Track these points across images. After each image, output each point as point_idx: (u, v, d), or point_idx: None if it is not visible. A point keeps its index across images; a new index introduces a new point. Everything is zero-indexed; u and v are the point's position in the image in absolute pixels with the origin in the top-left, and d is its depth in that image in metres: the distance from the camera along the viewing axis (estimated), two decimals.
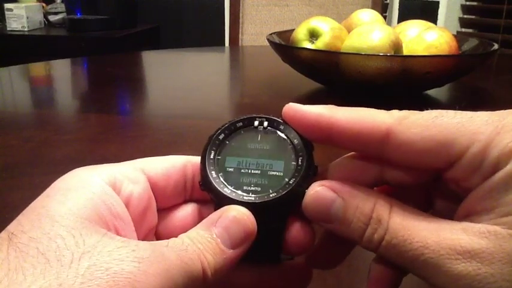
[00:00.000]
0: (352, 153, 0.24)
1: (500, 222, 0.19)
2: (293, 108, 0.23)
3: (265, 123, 0.24)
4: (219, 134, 0.24)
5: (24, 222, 0.19)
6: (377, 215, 0.21)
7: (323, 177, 0.23)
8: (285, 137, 0.24)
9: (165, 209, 0.26)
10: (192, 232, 0.21)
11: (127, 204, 0.23)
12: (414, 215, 0.21)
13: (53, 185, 0.22)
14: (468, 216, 0.20)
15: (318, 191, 0.22)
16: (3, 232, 0.19)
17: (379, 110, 0.22)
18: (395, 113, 0.22)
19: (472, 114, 0.20)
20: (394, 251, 0.20)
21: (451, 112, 0.21)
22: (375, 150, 0.22)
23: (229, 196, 0.22)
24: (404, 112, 0.22)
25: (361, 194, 0.21)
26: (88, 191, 0.21)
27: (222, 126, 0.25)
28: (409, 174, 0.23)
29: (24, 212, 0.20)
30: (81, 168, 0.23)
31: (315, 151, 0.24)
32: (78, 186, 0.21)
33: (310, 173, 0.23)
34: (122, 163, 0.24)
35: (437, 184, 0.23)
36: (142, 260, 0.18)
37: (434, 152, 0.20)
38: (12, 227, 0.19)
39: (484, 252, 0.18)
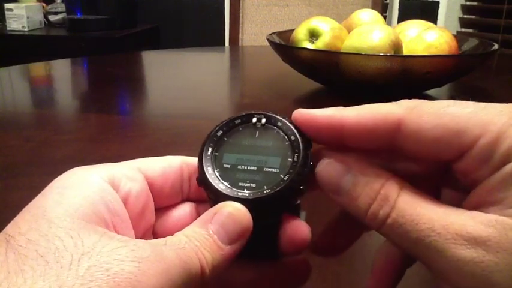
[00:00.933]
0: None
1: (509, 214, 0.19)
2: (304, 113, 0.23)
3: (263, 120, 0.24)
4: (218, 130, 0.24)
5: (21, 223, 0.19)
6: (385, 192, 0.20)
7: None
8: (283, 134, 0.24)
9: (162, 208, 0.26)
10: (188, 230, 0.21)
11: (125, 202, 0.23)
12: (424, 197, 0.20)
13: (50, 184, 0.22)
14: (476, 208, 0.20)
15: (331, 161, 0.22)
16: (0, 234, 0.19)
17: (388, 103, 0.22)
18: (405, 102, 0.22)
19: (486, 105, 0.20)
20: (398, 231, 0.20)
21: (463, 102, 0.21)
22: (387, 143, 0.22)
23: (224, 192, 0.23)
24: (415, 101, 0.21)
25: (373, 172, 0.21)
26: (85, 189, 0.21)
27: (221, 123, 0.25)
28: (417, 167, 0.23)
29: (21, 212, 0.20)
30: (79, 167, 0.23)
31: (313, 149, 0.23)
32: (74, 184, 0.21)
33: (305, 170, 0.23)
34: (119, 163, 0.24)
35: (446, 177, 0.23)
36: (142, 259, 0.18)
37: (445, 141, 0.20)
38: (9, 228, 0.19)
39: (491, 240, 0.18)
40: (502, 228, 0.18)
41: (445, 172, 0.22)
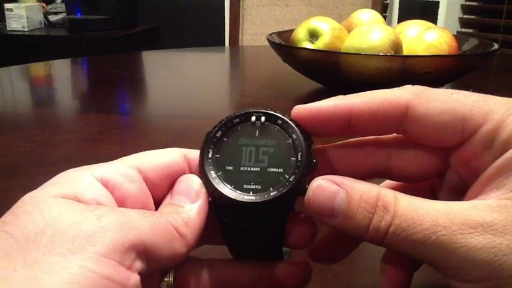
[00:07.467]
0: (355, 139, 0.24)
1: (510, 197, 0.19)
2: (306, 107, 0.23)
3: (263, 118, 0.24)
4: (217, 131, 0.24)
5: (5, 214, 0.20)
6: (382, 203, 0.20)
7: (324, 167, 0.23)
8: (284, 132, 0.23)
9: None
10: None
11: (123, 203, 0.22)
12: (420, 199, 0.20)
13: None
14: (478, 196, 0.20)
15: (320, 184, 0.21)
16: None
17: (392, 88, 0.22)
18: (410, 87, 0.22)
19: (486, 96, 0.21)
20: (402, 236, 0.19)
21: (465, 92, 0.22)
22: (393, 128, 0.22)
23: (229, 196, 0.22)
24: (419, 87, 0.22)
25: (364, 185, 0.21)
26: (75, 183, 0.21)
27: (219, 123, 0.24)
28: (415, 164, 0.23)
29: None
30: (74, 168, 0.23)
31: (314, 145, 0.23)
32: (66, 180, 0.21)
33: (310, 169, 0.22)
34: (115, 161, 0.24)
35: (442, 180, 0.23)
36: (101, 216, 0.19)
37: (451, 126, 0.21)
38: None
39: (496, 224, 0.18)
40: (506, 211, 0.18)
41: (441, 175, 0.22)
